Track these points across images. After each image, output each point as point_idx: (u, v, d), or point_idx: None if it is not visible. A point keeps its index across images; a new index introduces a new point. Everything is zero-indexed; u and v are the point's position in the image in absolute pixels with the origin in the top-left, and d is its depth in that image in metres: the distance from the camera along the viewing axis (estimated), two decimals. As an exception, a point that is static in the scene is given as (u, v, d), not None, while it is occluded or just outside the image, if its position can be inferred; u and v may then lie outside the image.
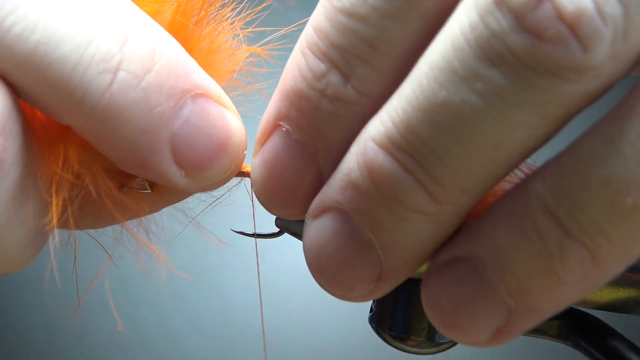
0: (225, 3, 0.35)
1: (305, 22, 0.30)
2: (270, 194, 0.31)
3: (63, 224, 0.30)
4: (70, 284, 0.38)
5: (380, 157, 0.26)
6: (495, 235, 0.26)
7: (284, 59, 0.37)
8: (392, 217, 0.26)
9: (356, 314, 1.63)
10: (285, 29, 0.37)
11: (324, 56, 0.27)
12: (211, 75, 0.33)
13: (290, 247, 1.69)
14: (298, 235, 0.39)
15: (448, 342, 0.39)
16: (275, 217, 0.39)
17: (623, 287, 0.37)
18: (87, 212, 0.33)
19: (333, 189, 0.28)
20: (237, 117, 0.33)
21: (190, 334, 1.66)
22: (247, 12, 0.36)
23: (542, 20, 0.22)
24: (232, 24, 0.35)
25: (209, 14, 0.34)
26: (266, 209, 0.32)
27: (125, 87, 0.28)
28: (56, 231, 0.31)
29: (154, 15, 0.31)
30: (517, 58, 0.23)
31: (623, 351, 0.38)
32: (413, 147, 0.25)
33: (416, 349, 0.39)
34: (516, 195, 0.26)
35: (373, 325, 0.40)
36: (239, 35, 0.36)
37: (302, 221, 0.39)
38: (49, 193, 0.29)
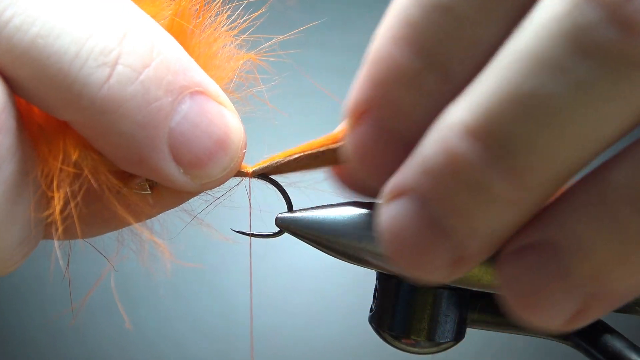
0: (223, 9, 0.35)
1: (302, 27, 0.30)
2: (358, 173, 0.30)
3: (66, 229, 0.30)
4: (73, 285, 0.38)
5: (463, 145, 0.25)
6: (573, 222, 0.26)
7: (279, 64, 0.37)
8: (471, 204, 0.26)
9: (356, 314, 1.63)
10: (281, 36, 0.37)
11: (419, 50, 0.26)
12: (210, 77, 0.33)
13: (291, 247, 1.68)
14: (298, 235, 0.39)
15: (448, 342, 0.39)
16: (275, 217, 0.39)
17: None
18: (89, 214, 0.33)
19: (411, 174, 0.27)
20: (237, 116, 0.33)
21: (190, 335, 1.66)
22: (245, 17, 0.36)
23: (633, 13, 0.22)
24: (229, 29, 0.36)
25: (206, 18, 0.35)
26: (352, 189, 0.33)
27: (123, 81, 0.28)
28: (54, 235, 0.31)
29: (154, 17, 0.32)
30: (607, 51, 0.22)
31: (623, 351, 0.38)
32: (496, 136, 0.25)
33: (416, 349, 0.39)
34: (595, 182, 0.26)
35: (373, 325, 0.40)
36: (237, 39, 0.36)
37: (303, 221, 0.39)
38: (51, 189, 0.29)
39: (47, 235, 0.32)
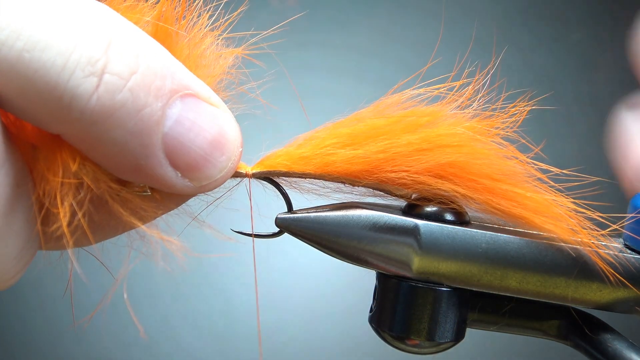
0: (206, 8, 0.35)
1: (286, 21, 0.30)
2: None
3: (75, 237, 0.30)
4: (75, 287, 0.38)
5: None
6: None
7: (277, 63, 0.37)
8: None
9: (356, 314, 1.63)
10: (266, 31, 0.37)
11: None
12: (200, 78, 0.33)
13: (291, 247, 1.68)
14: (298, 235, 0.39)
15: (448, 342, 0.39)
16: (275, 217, 0.39)
17: (623, 287, 0.37)
18: (96, 221, 0.33)
19: None
20: (230, 116, 0.33)
21: (190, 334, 1.66)
22: (241, 16, 0.36)
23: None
24: (216, 28, 0.36)
25: (190, 19, 0.35)
26: None
27: (111, 89, 0.28)
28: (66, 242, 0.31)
29: (136, 24, 0.32)
30: None
31: (623, 351, 0.38)
32: None
33: (416, 349, 0.39)
34: None
35: (373, 325, 0.40)
36: (226, 38, 0.36)
37: (303, 221, 0.38)
38: (55, 204, 0.29)
39: (59, 247, 0.32)
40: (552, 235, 0.37)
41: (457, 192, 0.37)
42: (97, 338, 1.61)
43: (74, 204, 0.30)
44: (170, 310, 1.68)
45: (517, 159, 0.37)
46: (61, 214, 0.29)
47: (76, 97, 0.27)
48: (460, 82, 0.38)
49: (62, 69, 0.27)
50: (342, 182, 0.38)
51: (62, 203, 0.29)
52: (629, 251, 0.38)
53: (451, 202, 0.38)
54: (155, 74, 0.29)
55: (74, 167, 0.30)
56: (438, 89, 0.38)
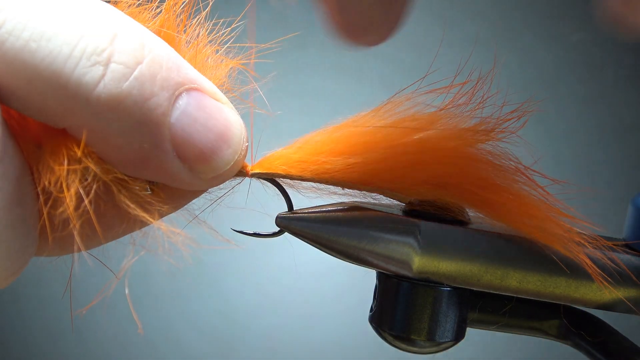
0: (213, 15, 0.36)
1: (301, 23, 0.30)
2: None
3: (84, 234, 0.30)
4: (76, 287, 0.38)
5: None
6: None
7: (278, 63, 0.38)
8: None
9: (356, 313, 1.63)
10: (264, 36, 0.37)
11: None
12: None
13: (291, 247, 1.69)
14: (299, 234, 0.39)
15: (448, 341, 0.39)
16: (276, 216, 0.39)
17: (623, 287, 0.37)
18: (104, 219, 0.33)
19: None
20: (235, 112, 0.33)
21: (190, 335, 1.66)
22: (242, 18, 0.36)
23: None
24: (221, 34, 0.36)
25: (193, 27, 0.35)
26: None
27: (118, 78, 0.28)
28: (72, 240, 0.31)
29: None
30: None
31: (623, 351, 0.38)
32: None
33: (416, 349, 0.39)
34: None
35: (373, 325, 0.40)
36: (230, 43, 0.37)
37: (304, 221, 0.39)
38: (61, 191, 0.29)
39: (64, 247, 0.32)
40: (552, 246, 0.37)
41: (454, 201, 0.37)
42: (97, 338, 1.61)
43: (81, 190, 0.30)
44: (170, 310, 1.68)
45: (516, 165, 0.37)
46: (68, 198, 0.29)
47: (82, 86, 0.28)
48: (461, 85, 0.38)
49: (68, 58, 0.27)
50: (340, 187, 0.39)
51: (68, 189, 0.29)
52: (629, 251, 0.38)
53: (450, 209, 0.38)
54: (161, 66, 0.30)
55: (79, 154, 0.30)
56: (439, 90, 0.38)
